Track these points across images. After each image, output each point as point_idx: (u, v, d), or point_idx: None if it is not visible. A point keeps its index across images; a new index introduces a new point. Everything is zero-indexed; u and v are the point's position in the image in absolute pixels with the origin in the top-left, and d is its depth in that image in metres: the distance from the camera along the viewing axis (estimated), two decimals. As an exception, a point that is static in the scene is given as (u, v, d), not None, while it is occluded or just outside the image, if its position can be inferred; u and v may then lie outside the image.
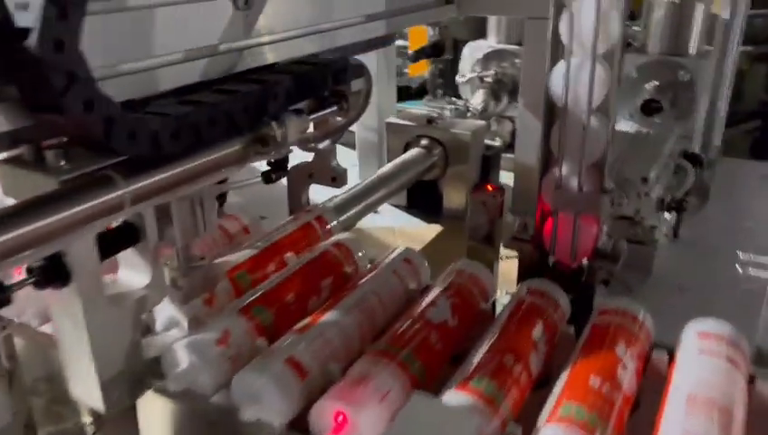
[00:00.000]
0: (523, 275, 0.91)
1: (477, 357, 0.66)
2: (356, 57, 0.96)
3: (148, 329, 0.77)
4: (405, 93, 2.45)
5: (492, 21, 1.73)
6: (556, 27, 0.80)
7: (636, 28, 1.82)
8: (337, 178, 1.07)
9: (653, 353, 0.72)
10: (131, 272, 0.70)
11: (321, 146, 1.01)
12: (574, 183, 0.82)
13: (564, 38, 0.78)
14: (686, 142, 1.47)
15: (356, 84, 0.92)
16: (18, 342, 0.80)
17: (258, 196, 1.13)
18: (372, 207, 1.22)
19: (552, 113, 0.85)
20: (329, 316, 0.73)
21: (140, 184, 0.59)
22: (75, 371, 0.68)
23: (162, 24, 0.65)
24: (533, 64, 1.23)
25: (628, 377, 0.65)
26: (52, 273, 0.60)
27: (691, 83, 1.47)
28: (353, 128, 1.57)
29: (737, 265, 1.20)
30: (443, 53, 1.26)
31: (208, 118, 0.64)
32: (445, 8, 1.25)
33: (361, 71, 0.90)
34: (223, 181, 0.76)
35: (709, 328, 0.69)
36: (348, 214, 1.11)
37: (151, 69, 0.64)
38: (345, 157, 1.54)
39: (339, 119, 0.92)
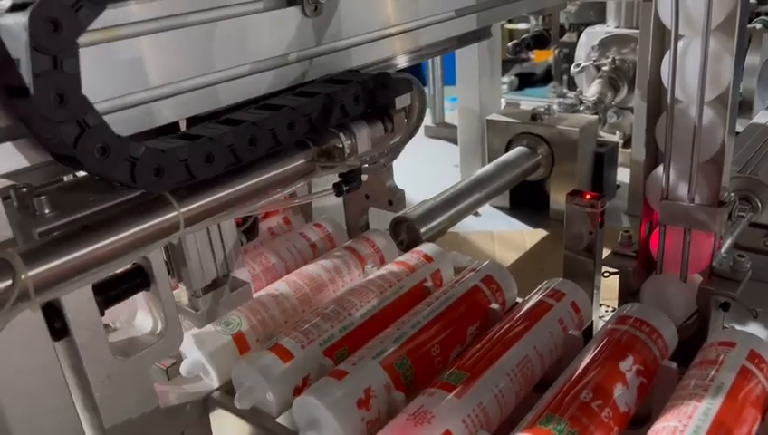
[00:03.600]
0: (625, 296, 0.81)
1: (553, 392, 0.59)
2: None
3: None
4: (529, 80, 2.34)
5: (611, 3, 1.58)
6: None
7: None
8: (394, 200, 0.98)
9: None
10: (146, 318, 0.65)
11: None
12: (684, 191, 0.71)
13: (665, 17, 0.67)
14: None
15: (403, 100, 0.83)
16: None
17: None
18: (469, 211, 1.15)
19: (657, 104, 0.74)
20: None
21: (197, 204, 0.59)
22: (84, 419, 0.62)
23: (227, 37, 0.64)
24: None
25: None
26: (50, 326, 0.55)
27: None
28: (457, 123, 1.50)
29: None
30: (548, 43, 1.16)
31: (250, 138, 0.60)
32: (549, -4, 1.16)
33: (408, 86, 0.81)
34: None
35: None
36: (440, 218, 1.06)
37: (215, 84, 0.64)
38: (448, 154, 1.49)
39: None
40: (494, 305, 0.76)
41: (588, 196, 0.82)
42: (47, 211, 0.52)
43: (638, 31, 1.49)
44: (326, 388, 0.62)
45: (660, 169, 0.72)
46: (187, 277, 0.68)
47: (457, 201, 1.12)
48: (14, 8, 0.43)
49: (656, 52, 0.71)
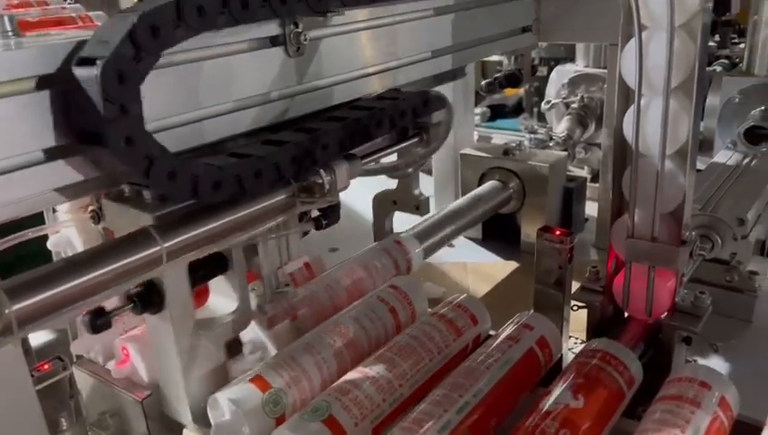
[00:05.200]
0: (592, 330, 0.83)
1: (525, 423, 0.61)
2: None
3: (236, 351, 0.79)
4: (500, 111, 2.39)
5: (580, 44, 1.65)
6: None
7: (741, 46, 1.68)
8: (420, 205, 1.09)
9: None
10: (220, 298, 0.76)
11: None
12: (647, 232, 0.75)
13: (628, 77, 0.71)
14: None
15: (438, 116, 0.91)
16: (86, 377, 0.84)
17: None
18: (444, 242, 1.18)
19: (623, 154, 0.78)
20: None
21: (179, 239, 0.60)
22: (168, 390, 0.74)
23: (212, 76, 0.66)
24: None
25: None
26: (149, 299, 0.66)
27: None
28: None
29: None
30: (520, 82, 1.21)
31: (255, 171, 0.63)
32: (522, 37, 1.21)
33: (443, 102, 0.89)
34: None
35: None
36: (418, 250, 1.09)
37: (201, 120, 0.66)
38: (423, 184, 1.52)
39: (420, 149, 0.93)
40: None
41: (558, 232, 0.85)
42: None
43: (605, 71, 1.56)
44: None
45: (626, 216, 0.76)
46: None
47: (434, 233, 1.14)
48: (81, 63, 0.49)
49: (620, 107, 0.75)
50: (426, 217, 1.20)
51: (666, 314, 0.78)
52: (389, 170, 1.03)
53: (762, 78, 1.35)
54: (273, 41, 0.72)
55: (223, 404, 0.66)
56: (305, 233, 1.00)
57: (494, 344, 0.74)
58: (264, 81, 0.72)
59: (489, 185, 1.31)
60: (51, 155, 0.52)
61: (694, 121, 0.70)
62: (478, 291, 1.17)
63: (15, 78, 0.49)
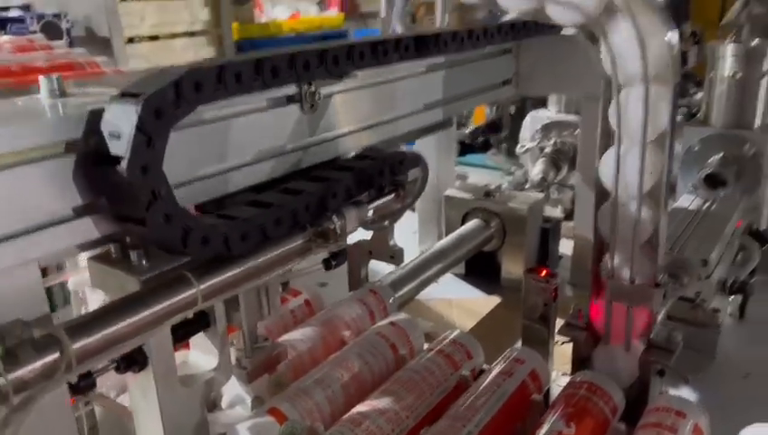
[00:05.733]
0: (577, 362, 0.91)
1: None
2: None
3: (214, 405, 0.82)
4: (469, 147, 2.49)
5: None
6: (605, 115, 0.82)
7: (698, 97, 1.81)
8: (395, 255, 1.12)
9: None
10: (201, 354, 0.76)
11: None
12: (627, 274, 0.83)
13: (613, 125, 0.80)
14: (753, 215, 1.44)
15: (413, 173, 0.97)
16: (98, 410, 0.87)
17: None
18: (431, 281, 1.25)
19: (602, 198, 0.86)
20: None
21: (212, 281, 0.66)
22: None
23: (237, 131, 0.72)
24: (589, 140, 1.27)
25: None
26: (132, 360, 0.66)
27: (756, 157, 1.44)
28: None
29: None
30: (500, 130, 1.30)
31: (275, 219, 0.70)
32: (503, 90, 1.30)
33: (417, 161, 0.95)
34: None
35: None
36: (408, 287, 1.16)
37: (226, 172, 0.72)
38: (408, 221, 1.59)
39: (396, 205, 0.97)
40: (536, 397, 0.80)
41: (543, 272, 0.93)
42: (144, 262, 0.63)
43: (576, 117, 1.67)
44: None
45: (607, 257, 0.84)
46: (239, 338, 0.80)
47: (423, 271, 1.21)
48: (124, 95, 0.54)
49: (601, 154, 0.84)
50: (416, 256, 1.27)
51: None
52: (367, 224, 1.04)
53: (719, 129, 1.48)
54: (290, 99, 0.79)
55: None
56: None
57: (490, 378, 0.81)
58: (281, 135, 0.79)
59: (472, 224, 1.39)
60: (77, 213, 0.57)
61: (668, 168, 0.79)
62: (464, 325, 1.24)
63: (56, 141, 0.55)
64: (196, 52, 2.34)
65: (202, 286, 0.64)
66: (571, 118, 1.71)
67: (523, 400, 0.80)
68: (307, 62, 0.72)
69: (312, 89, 0.80)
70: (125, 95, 0.55)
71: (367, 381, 0.85)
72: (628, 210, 0.81)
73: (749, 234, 1.28)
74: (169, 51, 2.25)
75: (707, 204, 1.34)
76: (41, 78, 0.65)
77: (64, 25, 1.60)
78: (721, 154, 1.46)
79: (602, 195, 0.85)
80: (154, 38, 2.24)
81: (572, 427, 0.71)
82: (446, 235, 1.42)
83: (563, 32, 1.20)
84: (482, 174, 2.05)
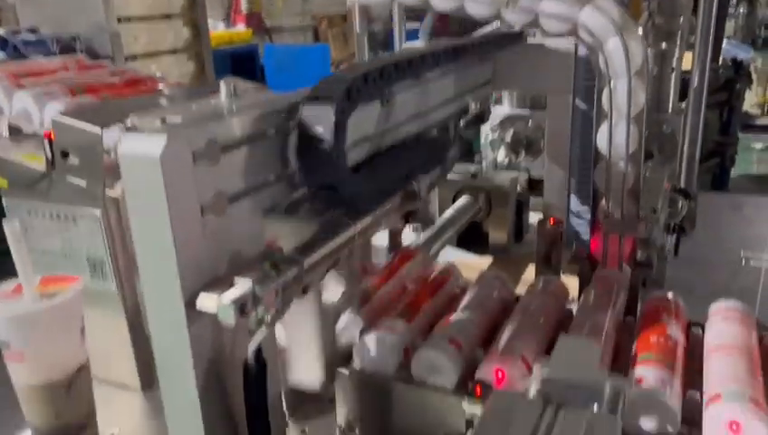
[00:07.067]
0: (582, 286, 1.23)
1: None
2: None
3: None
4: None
5: (504, 92, 2.10)
6: (600, 98, 1.15)
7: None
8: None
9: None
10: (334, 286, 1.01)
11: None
12: (618, 213, 1.16)
13: (606, 106, 1.12)
14: (673, 180, 1.85)
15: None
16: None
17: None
18: (442, 248, 1.54)
19: (597, 160, 1.18)
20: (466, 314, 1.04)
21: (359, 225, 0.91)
22: (302, 364, 0.97)
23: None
24: (557, 126, 1.60)
25: (678, 337, 0.97)
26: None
27: (673, 135, 1.85)
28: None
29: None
30: (485, 120, 1.61)
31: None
32: (486, 88, 1.62)
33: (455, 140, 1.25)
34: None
35: (727, 305, 1.02)
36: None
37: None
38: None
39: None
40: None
41: (553, 221, 1.24)
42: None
43: (527, 111, 2.02)
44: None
45: (603, 202, 1.17)
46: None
47: (436, 239, 1.50)
48: (318, 98, 0.76)
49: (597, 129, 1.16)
50: (427, 229, 1.55)
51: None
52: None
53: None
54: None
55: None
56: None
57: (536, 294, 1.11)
58: (371, 123, 1.05)
59: (464, 200, 1.69)
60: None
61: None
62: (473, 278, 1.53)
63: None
64: (179, 67, 2.52)
65: (358, 226, 0.89)
66: (523, 112, 2.06)
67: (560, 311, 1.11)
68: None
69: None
70: (319, 97, 0.79)
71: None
72: (618, 167, 1.13)
73: (675, 191, 1.67)
74: (159, 65, 2.41)
75: (643, 171, 1.72)
76: (221, 82, 0.87)
77: (78, 47, 1.73)
78: (647, 133, 1.86)
79: (598, 157, 1.17)
80: (149, 55, 2.41)
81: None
82: (440, 213, 1.71)
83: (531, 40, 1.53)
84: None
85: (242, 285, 0.67)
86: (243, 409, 0.74)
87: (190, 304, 0.67)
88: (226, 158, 0.71)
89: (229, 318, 0.65)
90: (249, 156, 0.75)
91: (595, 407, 0.71)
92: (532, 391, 0.74)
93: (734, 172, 4.22)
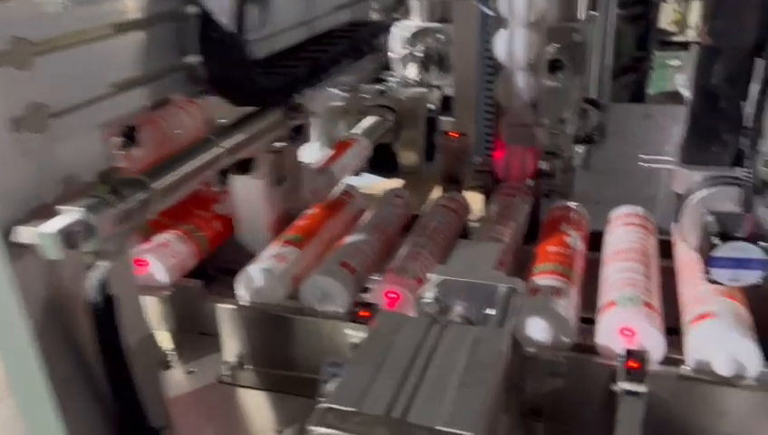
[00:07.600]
0: (487, 197, 1.18)
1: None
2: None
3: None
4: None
5: (413, 3, 1.99)
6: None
7: None
8: None
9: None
10: None
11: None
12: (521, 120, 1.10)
13: (504, 12, 1.04)
14: (584, 92, 1.81)
15: None
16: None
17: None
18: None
19: (495, 72, 1.11)
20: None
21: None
22: None
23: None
24: (464, 37, 1.52)
25: (578, 247, 0.94)
26: None
27: (583, 44, 1.79)
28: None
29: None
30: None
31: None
32: None
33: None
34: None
35: (628, 211, 1.00)
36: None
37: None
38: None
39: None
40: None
41: (457, 135, 1.18)
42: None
43: (439, 24, 1.92)
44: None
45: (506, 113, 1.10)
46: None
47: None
48: None
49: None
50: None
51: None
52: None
53: (554, 22, 1.81)
54: None
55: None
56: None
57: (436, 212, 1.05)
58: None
59: (372, 119, 1.60)
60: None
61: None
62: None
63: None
64: None
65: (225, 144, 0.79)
66: (434, 25, 1.96)
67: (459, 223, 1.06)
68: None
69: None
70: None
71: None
72: (517, 76, 1.06)
73: (586, 101, 1.63)
74: None
75: (554, 84, 1.67)
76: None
77: None
78: (556, 45, 1.80)
79: (497, 68, 1.10)
80: None
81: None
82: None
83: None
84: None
85: (68, 214, 0.57)
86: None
87: (7, 236, 0.57)
88: (44, 60, 0.60)
89: (53, 252, 0.55)
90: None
91: (489, 310, 0.68)
92: (428, 296, 0.70)
93: (651, 90, 4.28)
